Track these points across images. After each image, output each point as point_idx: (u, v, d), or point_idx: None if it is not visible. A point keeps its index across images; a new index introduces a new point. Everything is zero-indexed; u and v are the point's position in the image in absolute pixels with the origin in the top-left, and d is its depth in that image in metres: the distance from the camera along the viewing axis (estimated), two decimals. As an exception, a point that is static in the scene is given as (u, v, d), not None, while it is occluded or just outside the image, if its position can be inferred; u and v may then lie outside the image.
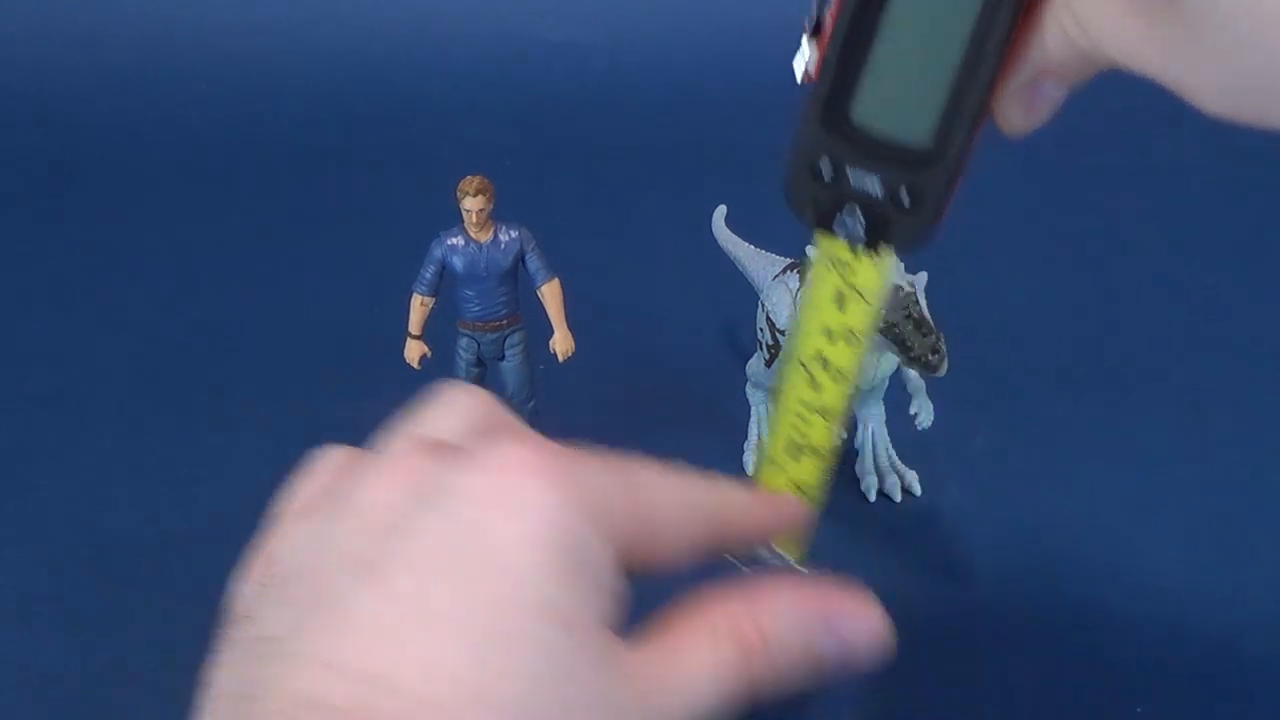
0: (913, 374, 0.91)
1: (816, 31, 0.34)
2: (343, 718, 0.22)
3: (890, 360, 0.91)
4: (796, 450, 0.39)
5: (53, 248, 1.40)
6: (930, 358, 0.83)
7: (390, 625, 0.23)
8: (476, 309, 0.92)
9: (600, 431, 1.09)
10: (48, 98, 1.75)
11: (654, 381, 1.11)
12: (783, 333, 0.97)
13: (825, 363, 0.38)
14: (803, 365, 0.38)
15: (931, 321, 0.84)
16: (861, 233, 0.35)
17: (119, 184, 1.55)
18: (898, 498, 0.97)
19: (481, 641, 0.23)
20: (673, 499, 0.29)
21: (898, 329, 0.84)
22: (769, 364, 1.00)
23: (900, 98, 0.33)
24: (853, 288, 0.37)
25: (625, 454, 0.29)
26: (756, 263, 1.03)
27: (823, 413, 0.38)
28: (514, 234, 0.91)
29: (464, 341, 0.93)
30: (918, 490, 0.97)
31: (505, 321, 0.92)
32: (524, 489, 0.25)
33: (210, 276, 1.32)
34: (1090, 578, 0.90)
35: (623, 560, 0.27)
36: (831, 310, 0.38)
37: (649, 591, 0.28)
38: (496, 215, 0.90)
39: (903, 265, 0.86)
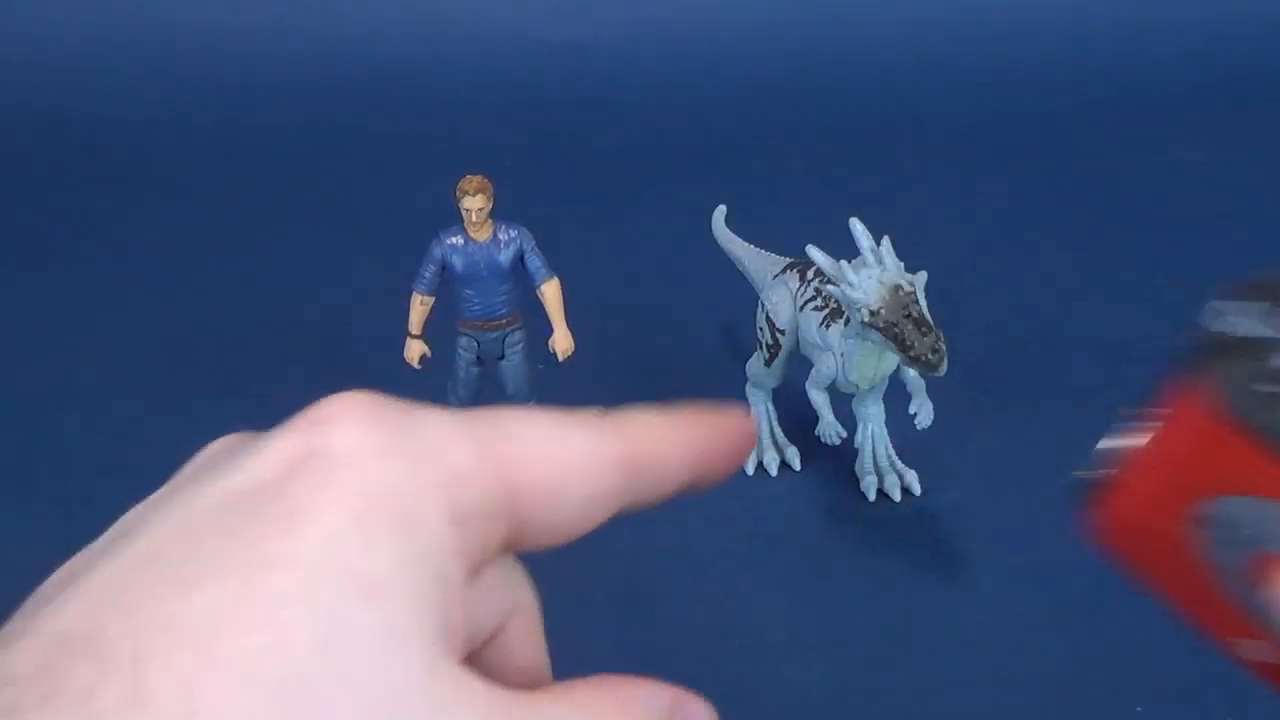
0: (912, 374, 0.91)
1: None
2: (26, 683, 0.18)
3: (890, 360, 0.91)
4: None
5: (53, 247, 1.40)
6: (930, 357, 0.83)
7: (109, 587, 0.19)
8: (477, 308, 0.92)
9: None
10: (48, 98, 1.75)
11: (654, 381, 1.11)
12: (782, 332, 0.97)
13: None
14: None
15: (931, 321, 0.84)
16: None
17: (119, 184, 1.55)
18: (897, 497, 0.97)
19: (237, 599, 0.18)
20: (560, 453, 0.22)
21: (898, 329, 0.84)
22: (769, 364, 0.99)
23: None
24: None
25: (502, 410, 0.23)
26: (756, 262, 1.03)
27: None
28: (513, 233, 0.91)
29: (464, 341, 0.93)
30: (918, 490, 0.97)
31: (505, 321, 0.92)
32: (337, 439, 0.20)
33: (210, 276, 1.32)
34: (1089, 577, 0.89)
35: (488, 542, 0.21)
36: None
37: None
38: (496, 214, 0.90)
39: (903, 265, 0.86)
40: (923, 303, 0.85)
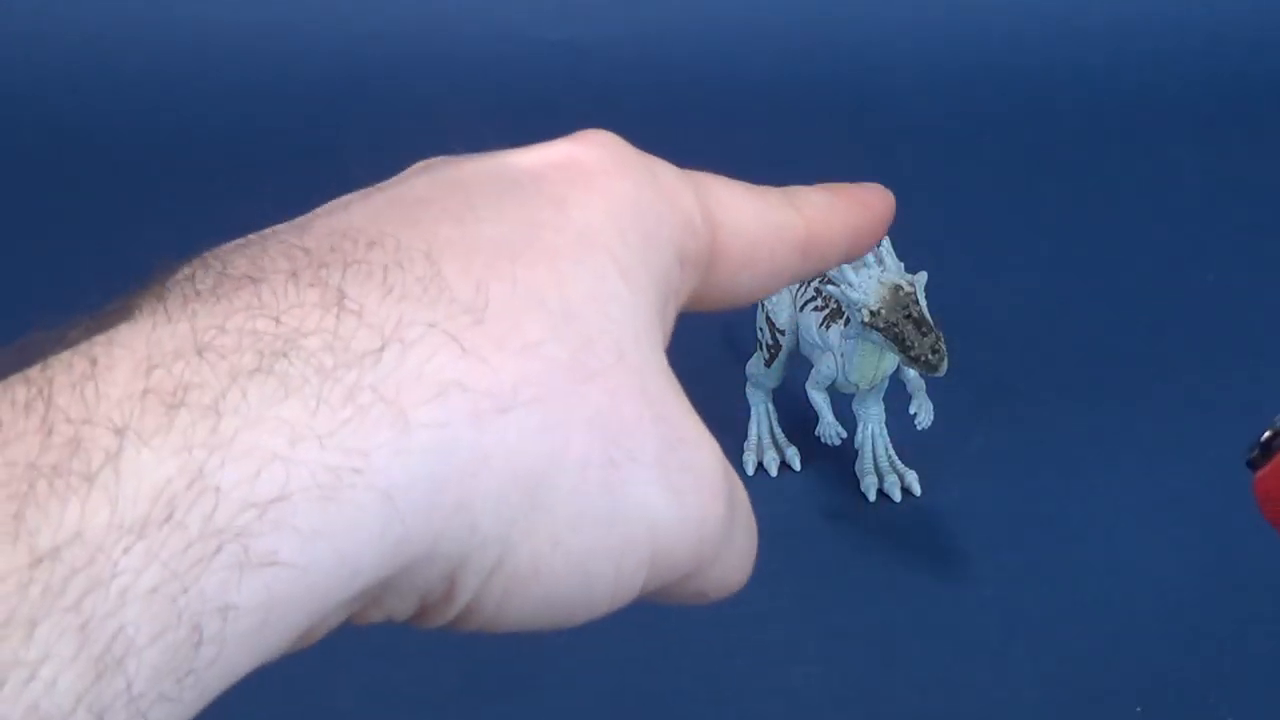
0: (913, 374, 0.91)
1: None
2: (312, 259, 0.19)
3: (890, 360, 0.91)
4: None
5: (53, 247, 1.40)
6: (930, 357, 0.83)
7: (387, 206, 0.20)
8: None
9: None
10: (48, 98, 1.75)
11: (654, 381, 1.11)
12: (782, 332, 0.97)
13: None
14: None
15: (931, 321, 0.84)
16: None
17: (118, 184, 1.55)
18: (898, 498, 0.97)
19: (521, 241, 0.20)
20: (757, 228, 0.24)
21: (898, 329, 0.84)
22: (769, 364, 0.99)
23: None
24: None
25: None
26: (756, 262, 1.03)
27: None
28: (514, 233, 0.91)
29: (464, 341, 0.93)
30: (918, 490, 0.97)
31: (505, 321, 0.92)
32: (596, 154, 0.22)
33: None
34: (1090, 577, 0.89)
35: (688, 290, 0.23)
36: None
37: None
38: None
39: (903, 265, 0.86)
40: (923, 303, 0.85)
